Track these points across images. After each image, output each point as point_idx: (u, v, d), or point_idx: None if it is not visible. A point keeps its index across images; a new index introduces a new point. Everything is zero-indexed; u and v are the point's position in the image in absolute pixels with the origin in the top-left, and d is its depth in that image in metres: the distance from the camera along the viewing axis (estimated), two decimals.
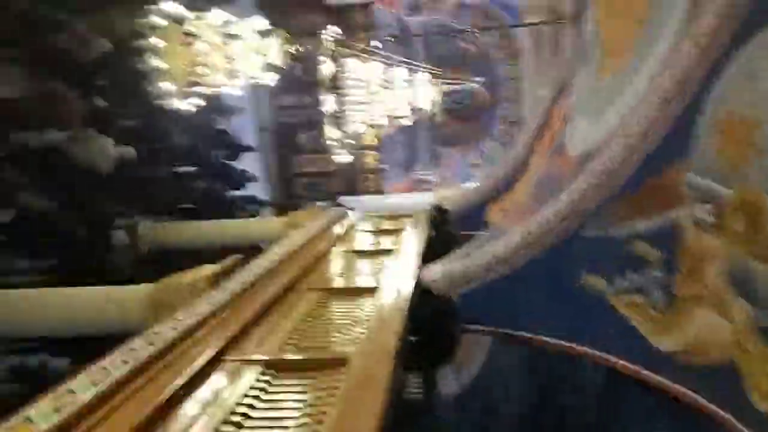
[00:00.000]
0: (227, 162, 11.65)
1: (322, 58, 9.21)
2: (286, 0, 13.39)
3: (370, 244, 6.30)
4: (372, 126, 11.15)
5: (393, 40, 14.52)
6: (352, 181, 15.26)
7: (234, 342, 3.16)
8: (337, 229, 6.79)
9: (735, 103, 3.07)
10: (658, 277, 3.44)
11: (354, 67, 9.81)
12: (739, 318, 3.05)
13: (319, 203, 11.77)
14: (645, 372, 3.62)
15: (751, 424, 3.07)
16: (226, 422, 2.41)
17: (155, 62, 7.00)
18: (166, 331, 3.10)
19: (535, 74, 13.24)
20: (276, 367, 2.89)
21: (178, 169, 10.13)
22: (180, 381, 2.62)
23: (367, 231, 7.03)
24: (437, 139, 18.58)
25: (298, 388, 2.73)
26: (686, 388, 3.36)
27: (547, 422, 4.81)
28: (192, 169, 10.46)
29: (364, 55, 9.69)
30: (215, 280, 4.27)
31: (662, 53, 3.65)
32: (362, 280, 4.70)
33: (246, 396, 2.62)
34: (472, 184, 13.71)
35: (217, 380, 2.75)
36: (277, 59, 7.80)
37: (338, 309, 3.91)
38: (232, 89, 7.95)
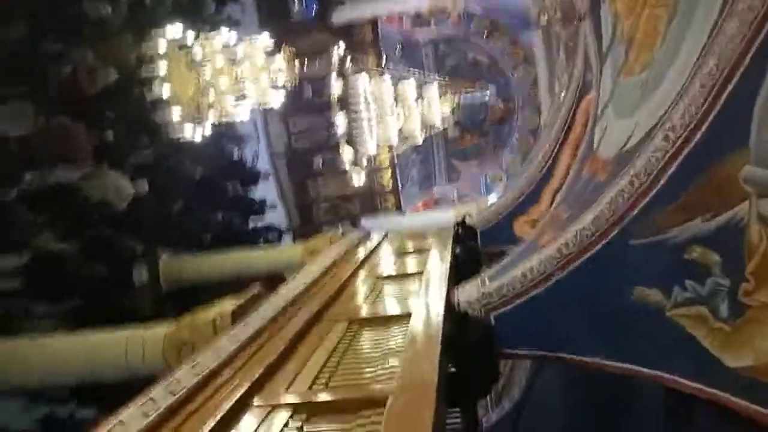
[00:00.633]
0: (243, 191, 11.52)
1: (332, 77, 9.09)
2: (291, 21, 13.37)
3: (395, 266, 6.03)
4: (386, 145, 11.00)
5: (401, 55, 14.46)
6: (371, 201, 15.10)
7: (259, 383, 2.92)
8: (360, 253, 6.54)
9: None
10: (721, 284, 3.12)
11: (364, 85, 9.67)
12: None
13: (339, 227, 11.61)
14: (710, 390, 3.27)
15: None
16: None
17: (163, 90, 6.90)
18: (186, 377, 2.87)
19: (551, 78, 12.96)
20: (307, 411, 2.64)
21: (194, 201, 10.01)
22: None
23: (390, 253, 6.77)
24: (453, 153, 18.37)
25: None
26: (762, 408, 3.02)
27: None
28: (208, 200, 10.34)
29: (374, 71, 9.56)
30: (237, 316, 4.06)
31: (700, 36, 3.35)
32: (390, 307, 4.42)
33: None
34: (494, 198, 13.45)
35: (245, 429, 2.51)
36: (286, 77, 7.67)
37: (368, 340, 3.65)
38: (243, 114, 7.83)
